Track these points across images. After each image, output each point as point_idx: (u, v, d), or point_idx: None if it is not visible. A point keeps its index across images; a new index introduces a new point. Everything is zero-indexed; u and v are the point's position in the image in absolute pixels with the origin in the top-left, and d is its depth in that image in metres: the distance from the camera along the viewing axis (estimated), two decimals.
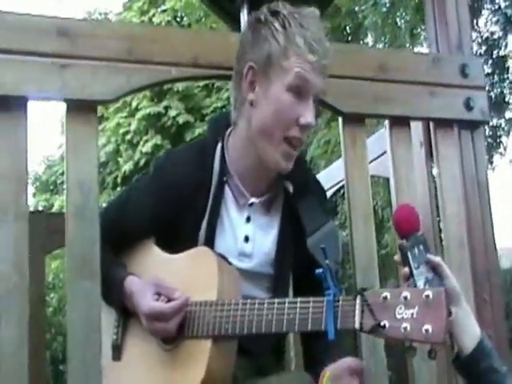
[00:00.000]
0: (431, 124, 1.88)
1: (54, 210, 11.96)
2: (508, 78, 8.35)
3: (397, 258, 1.29)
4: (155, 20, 12.58)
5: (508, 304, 6.08)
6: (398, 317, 1.14)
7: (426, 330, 1.11)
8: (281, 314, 1.25)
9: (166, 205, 1.45)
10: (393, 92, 1.78)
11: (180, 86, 11.73)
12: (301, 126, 1.40)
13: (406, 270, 1.26)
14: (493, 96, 8.30)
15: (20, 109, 1.41)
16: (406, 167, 1.78)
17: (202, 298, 1.36)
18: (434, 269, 1.28)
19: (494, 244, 1.89)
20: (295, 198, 1.50)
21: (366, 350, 1.59)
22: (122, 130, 12.04)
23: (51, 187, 12.84)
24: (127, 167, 11.71)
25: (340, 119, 1.74)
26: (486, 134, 8.34)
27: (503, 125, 8.40)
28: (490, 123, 8.36)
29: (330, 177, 2.51)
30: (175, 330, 1.36)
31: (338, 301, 1.20)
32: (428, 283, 1.24)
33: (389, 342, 1.41)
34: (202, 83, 11.23)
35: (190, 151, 1.53)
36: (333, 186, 2.48)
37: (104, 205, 1.64)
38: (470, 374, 1.29)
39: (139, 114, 11.85)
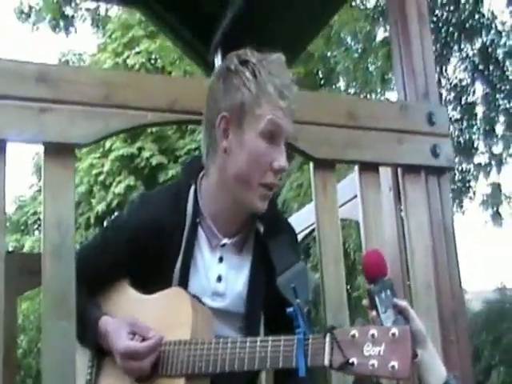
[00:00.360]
0: (399, 170, 1.94)
1: (24, 250, 11.80)
2: (476, 123, 8.60)
3: (365, 302, 1.33)
4: (129, 62, 12.72)
5: (478, 346, 6.13)
6: (366, 354, 1.17)
7: (393, 367, 1.15)
8: (253, 353, 1.28)
9: (140, 245, 1.48)
10: (362, 138, 1.85)
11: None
12: (275, 171, 1.45)
13: (374, 313, 1.30)
14: (462, 142, 8.53)
15: (0, 150, 1.44)
16: (374, 211, 1.84)
17: (176, 338, 1.38)
18: (401, 312, 1.33)
19: (461, 288, 1.94)
20: (266, 238, 1.54)
21: None
22: (94, 171, 12.03)
23: (22, 227, 12.70)
24: (100, 208, 11.69)
25: (311, 164, 1.80)
26: (456, 178, 8.54)
27: (472, 170, 8.61)
28: (460, 168, 8.58)
29: (302, 219, 2.56)
30: (149, 369, 1.37)
31: (308, 339, 1.23)
32: (394, 324, 1.28)
33: (358, 378, 1.44)
34: None
35: (164, 194, 1.57)
36: (305, 229, 2.53)
37: (78, 246, 1.65)
38: None
39: (112, 155, 11.88)
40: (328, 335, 1.22)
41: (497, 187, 8.44)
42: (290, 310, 1.25)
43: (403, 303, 1.33)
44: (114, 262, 1.52)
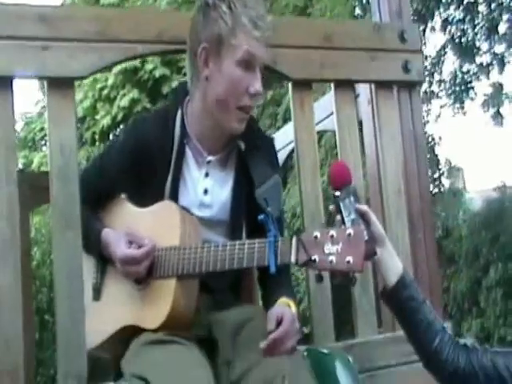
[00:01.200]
0: (373, 85, 2.11)
1: (33, 166, 12.05)
2: (479, 23, 8.53)
3: (331, 207, 1.51)
4: None
5: (477, 244, 6.41)
6: (326, 252, 1.39)
7: (348, 262, 1.36)
8: (232, 254, 1.50)
9: (133, 162, 1.67)
10: (337, 58, 2.00)
11: None
12: (251, 95, 1.62)
13: (339, 217, 1.49)
14: (463, 42, 8.50)
15: (7, 87, 1.63)
16: (349, 125, 2.02)
17: (167, 244, 1.60)
18: (362, 216, 1.49)
19: (429, 192, 2.16)
20: (246, 155, 1.72)
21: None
22: (98, 85, 12.04)
23: (29, 144, 12.90)
24: (105, 122, 11.77)
25: (289, 85, 1.97)
26: (457, 79, 8.58)
27: (474, 70, 8.62)
28: (461, 68, 8.60)
29: (285, 136, 2.74)
30: (145, 272, 1.60)
31: (278, 241, 1.45)
32: (356, 224, 1.46)
33: (333, 276, 1.66)
34: None
35: (155, 117, 1.75)
36: (288, 144, 2.71)
37: (83, 165, 1.85)
38: (394, 303, 1.54)
39: (115, 69, 11.83)
40: (294, 237, 1.44)
41: (498, 87, 8.47)
42: (260, 216, 1.46)
43: (364, 207, 1.50)
44: (112, 180, 1.71)
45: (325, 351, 1.65)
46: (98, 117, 12.01)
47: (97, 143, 11.72)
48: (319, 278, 1.47)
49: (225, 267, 1.51)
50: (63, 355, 1.59)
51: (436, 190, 8.02)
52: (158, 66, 12.00)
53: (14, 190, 1.62)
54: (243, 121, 1.65)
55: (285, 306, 1.56)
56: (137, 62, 11.99)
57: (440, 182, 8.15)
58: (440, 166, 8.11)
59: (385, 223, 2.06)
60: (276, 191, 1.63)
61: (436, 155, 8.01)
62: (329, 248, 1.39)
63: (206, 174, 1.72)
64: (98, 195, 1.74)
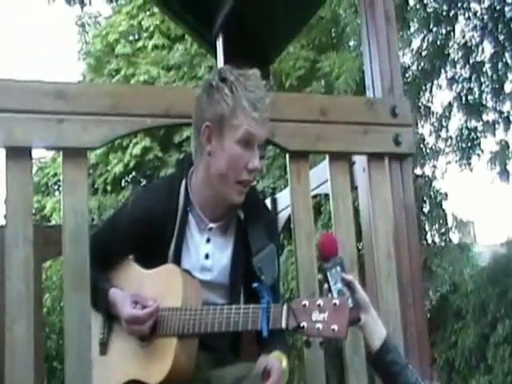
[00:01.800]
0: (365, 157, 2.25)
1: (46, 211, 12.25)
2: (485, 82, 8.75)
3: (320, 276, 1.65)
4: (144, 24, 12.89)
5: (484, 300, 6.45)
6: (314, 319, 1.52)
7: (333, 329, 1.50)
8: (228, 318, 1.63)
9: (141, 228, 1.81)
10: (332, 131, 2.15)
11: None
12: (249, 170, 1.77)
13: (326, 286, 1.62)
14: (470, 99, 8.70)
15: (26, 156, 1.79)
16: (343, 194, 2.15)
17: (170, 305, 1.73)
18: (348, 285, 1.64)
19: (419, 257, 2.27)
20: (245, 223, 1.87)
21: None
22: None
23: (43, 189, 13.15)
24: (117, 169, 12.04)
25: (287, 155, 2.12)
26: (464, 136, 8.74)
27: (480, 128, 8.80)
28: (468, 126, 8.78)
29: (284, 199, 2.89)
30: (149, 331, 1.73)
31: (270, 307, 1.58)
32: (338, 295, 1.60)
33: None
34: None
35: (160, 187, 1.91)
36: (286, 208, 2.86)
37: (93, 230, 1.99)
38: (378, 366, 1.66)
39: None
40: (285, 304, 1.57)
41: (504, 145, 8.61)
42: (254, 284, 1.60)
43: (349, 277, 1.65)
44: (120, 243, 1.86)
45: None
46: (109, 166, 12.22)
47: (108, 191, 11.93)
48: (307, 344, 1.59)
49: (221, 329, 1.64)
50: None
51: (443, 244, 8.12)
52: None
53: (29, 250, 1.75)
54: (242, 193, 1.79)
55: (276, 359, 1.66)
56: None
57: (448, 237, 8.23)
58: (448, 221, 8.22)
59: (376, 286, 2.17)
60: (271, 260, 1.77)
61: (443, 210, 8.13)
62: (316, 316, 1.52)
63: (208, 240, 1.86)
64: (106, 257, 1.88)
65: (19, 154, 1.78)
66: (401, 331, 2.13)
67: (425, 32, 8.52)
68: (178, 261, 1.83)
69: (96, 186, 12.12)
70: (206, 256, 1.85)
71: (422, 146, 8.18)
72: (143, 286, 1.80)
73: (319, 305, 1.53)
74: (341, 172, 2.17)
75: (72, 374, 1.71)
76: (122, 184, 12.52)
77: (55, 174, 12.70)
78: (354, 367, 2.05)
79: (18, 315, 1.70)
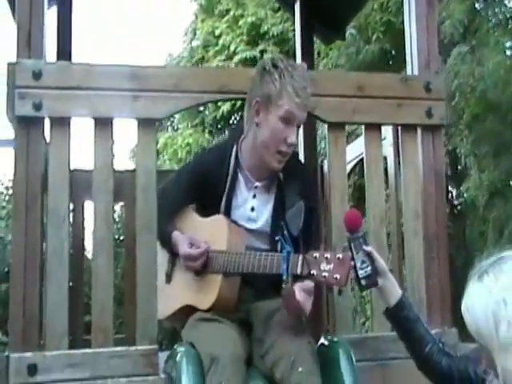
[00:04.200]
0: (399, 128, 2.54)
1: (158, 146, 13.10)
2: None
3: (344, 245, 1.97)
4: None
5: None
6: (321, 268, 1.91)
7: (336, 278, 1.89)
8: (260, 262, 2.04)
9: (198, 183, 2.24)
10: (367, 105, 2.46)
11: (275, 30, 12.33)
12: (287, 144, 2.13)
13: (350, 254, 1.93)
14: None
15: (108, 126, 2.26)
16: (376, 161, 2.47)
17: (218, 248, 2.16)
18: (368, 255, 1.94)
19: (444, 216, 2.55)
20: (284, 183, 2.24)
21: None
22: None
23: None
24: (225, 108, 12.57)
25: (326, 127, 2.46)
26: None
27: None
28: None
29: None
30: (200, 267, 2.17)
31: (290, 256, 1.98)
32: (364, 263, 1.92)
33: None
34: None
35: (215, 151, 2.34)
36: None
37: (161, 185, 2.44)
38: (393, 320, 1.97)
39: (236, 58, 12.58)
40: (301, 255, 1.96)
41: None
42: (277, 237, 2.01)
43: (369, 248, 1.94)
44: (182, 195, 2.30)
45: (331, 340, 2.12)
46: (219, 103, 12.75)
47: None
48: (339, 292, 1.96)
49: (254, 270, 2.06)
50: (141, 321, 2.20)
51: None
52: (276, 55, 12.59)
53: (110, 198, 2.25)
54: (281, 162, 2.17)
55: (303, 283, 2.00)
56: (256, 52, 12.67)
57: None
58: None
59: (403, 243, 2.51)
60: (297, 215, 2.16)
61: None
62: (324, 266, 1.91)
63: (254, 196, 2.26)
64: (172, 205, 2.32)
65: (103, 124, 2.26)
66: (424, 282, 2.45)
67: None
68: (228, 212, 2.24)
69: (205, 125, 12.76)
70: (252, 209, 2.25)
71: None
72: (199, 231, 2.23)
73: (327, 257, 1.91)
74: (374, 141, 2.49)
75: (142, 297, 2.21)
76: (231, 121, 13.07)
77: None
78: (379, 309, 2.38)
79: (100, 249, 2.21)
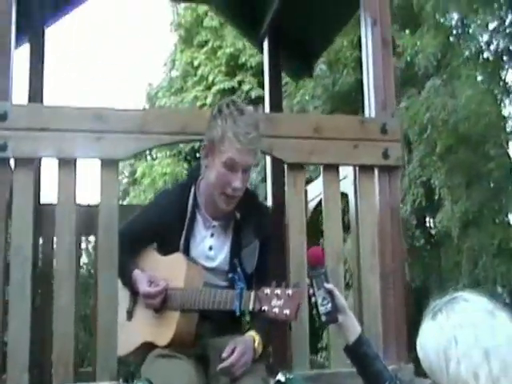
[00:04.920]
0: (357, 168, 2.63)
1: (136, 175, 13.17)
2: None
3: (307, 281, 2.04)
4: None
5: None
6: (272, 304, 1.97)
7: (285, 314, 1.95)
8: (214, 298, 2.11)
9: (158, 225, 2.31)
10: (325, 146, 2.55)
11: (253, 61, 12.52)
12: (232, 188, 2.19)
13: (311, 290, 1.98)
14: None
15: (71, 167, 2.33)
16: (333, 202, 2.56)
17: (177, 285, 2.22)
18: (329, 292, 1.98)
19: (402, 252, 2.64)
20: (240, 223, 2.32)
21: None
22: (198, 103, 12.99)
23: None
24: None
25: (285, 167, 2.55)
26: None
27: None
28: None
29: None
30: (159, 305, 2.23)
31: (243, 293, 2.05)
32: (324, 300, 1.96)
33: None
34: None
35: (175, 191, 2.40)
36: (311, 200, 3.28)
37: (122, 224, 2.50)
38: (353, 357, 2.01)
39: (214, 89, 12.76)
40: (253, 292, 2.03)
41: None
42: (230, 275, 2.08)
43: (330, 286, 1.99)
44: (142, 236, 2.36)
45: (286, 377, 2.17)
46: None
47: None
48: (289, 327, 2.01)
49: (209, 307, 2.13)
50: (101, 356, 2.26)
51: None
52: (254, 86, 12.78)
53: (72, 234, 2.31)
54: (230, 203, 2.24)
55: (246, 338, 2.12)
56: (234, 83, 12.89)
57: None
58: None
59: (359, 278, 2.58)
60: (252, 254, 2.25)
61: None
62: (274, 302, 1.98)
63: (212, 235, 2.34)
64: (133, 245, 2.38)
65: (67, 164, 2.33)
66: (380, 317, 2.52)
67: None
68: (187, 250, 2.31)
69: (184, 155, 12.87)
70: (210, 248, 2.33)
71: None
72: (159, 269, 2.30)
73: (277, 294, 1.98)
74: (332, 181, 2.58)
75: (102, 332, 2.26)
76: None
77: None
78: (336, 344, 2.45)
79: (62, 287, 2.26)
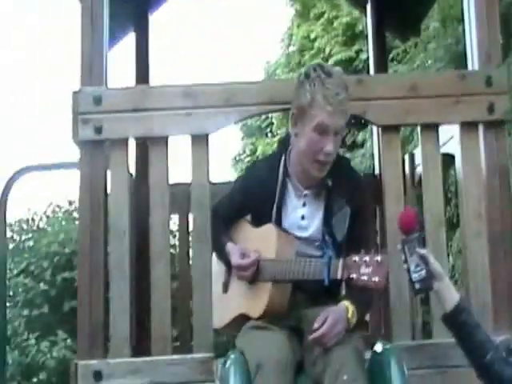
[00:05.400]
0: (458, 126, 2.46)
1: (257, 152, 13.33)
2: None
3: (399, 247, 1.95)
4: None
5: None
6: (361, 272, 1.91)
7: (374, 281, 1.88)
8: (304, 268, 2.07)
9: (251, 195, 2.30)
10: (421, 105, 2.41)
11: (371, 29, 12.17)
12: (324, 154, 2.13)
13: (403, 257, 1.91)
14: None
15: (163, 145, 2.37)
16: (433, 163, 2.42)
17: (268, 257, 2.20)
18: (422, 257, 1.91)
19: (510, 213, 2.43)
20: (332, 190, 2.24)
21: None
22: None
23: (256, 132, 14.25)
24: None
25: (380, 129, 2.44)
26: None
27: None
28: None
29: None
30: (251, 277, 2.22)
31: (331, 262, 2.00)
32: (418, 267, 1.89)
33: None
34: None
35: (264, 163, 2.37)
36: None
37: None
38: (450, 326, 1.92)
39: (331, 60, 12.55)
40: (341, 259, 1.97)
41: None
42: (317, 243, 2.02)
43: (423, 251, 1.91)
44: (235, 207, 2.36)
45: (384, 347, 2.10)
46: None
47: None
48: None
49: (299, 277, 2.09)
50: (197, 329, 2.31)
51: None
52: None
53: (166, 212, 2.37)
54: (321, 170, 2.17)
55: (339, 308, 2.06)
56: (352, 53, 12.60)
57: None
58: None
59: (464, 244, 2.43)
60: (342, 221, 2.17)
61: None
62: (363, 270, 1.91)
63: (304, 204, 2.28)
64: (227, 218, 2.39)
65: (159, 143, 2.38)
66: (489, 286, 2.36)
67: None
68: (279, 221, 2.27)
69: None
70: (302, 217, 2.27)
71: None
72: (251, 241, 2.29)
73: (365, 261, 1.91)
74: (431, 141, 2.43)
75: (198, 306, 2.30)
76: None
77: (266, 118, 13.63)
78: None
79: (157, 259, 2.33)
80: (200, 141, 2.38)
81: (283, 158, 2.31)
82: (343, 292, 2.28)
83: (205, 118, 2.37)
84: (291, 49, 14.53)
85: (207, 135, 2.40)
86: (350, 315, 2.05)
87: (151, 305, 2.30)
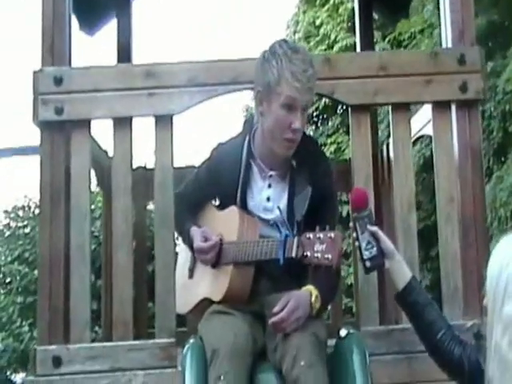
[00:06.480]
0: (430, 106, 2.39)
1: None
2: None
3: (351, 224, 1.91)
4: None
5: None
6: (315, 249, 1.85)
7: (327, 258, 1.84)
8: (261, 248, 2.03)
9: (215, 179, 2.24)
10: (391, 85, 2.34)
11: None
12: (292, 130, 2.07)
13: (354, 234, 1.88)
14: None
15: (126, 125, 2.32)
16: (403, 144, 2.35)
17: (230, 239, 2.15)
18: (373, 234, 1.87)
19: (483, 198, 2.37)
20: (297, 171, 2.18)
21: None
22: None
23: None
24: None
25: (349, 109, 2.37)
26: None
27: None
28: None
29: None
30: (212, 260, 2.17)
31: (286, 240, 1.95)
32: (369, 244, 1.86)
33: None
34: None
35: (229, 144, 2.30)
36: None
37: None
38: (402, 305, 1.90)
39: (337, 46, 12.43)
40: (295, 238, 1.93)
41: None
42: (271, 222, 2.04)
43: (373, 228, 1.87)
44: (201, 191, 2.31)
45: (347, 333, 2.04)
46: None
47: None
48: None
49: (257, 257, 2.05)
50: (159, 314, 2.26)
51: None
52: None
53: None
54: (290, 148, 2.11)
55: (302, 293, 2.00)
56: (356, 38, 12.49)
57: None
58: None
59: (436, 227, 2.36)
60: (302, 200, 2.11)
61: None
62: (317, 247, 1.86)
63: (269, 185, 2.22)
64: (192, 201, 2.34)
65: (120, 123, 2.32)
66: (460, 271, 2.30)
67: None
68: (244, 203, 2.22)
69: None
70: (268, 199, 2.21)
71: None
72: (215, 224, 2.23)
73: (319, 237, 1.86)
74: (401, 121, 2.36)
75: (160, 291, 2.26)
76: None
77: None
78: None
79: (119, 244, 2.29)
80: (164, 122, 2.33)
81: (247, 138, 2.26)
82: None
83: (168, 98, 2.32)
84: (297, 36, 14.41)
85: (171, 116, 2.34)
86: (313, 300, 1.99)
87: (113, 291, 2.25)
